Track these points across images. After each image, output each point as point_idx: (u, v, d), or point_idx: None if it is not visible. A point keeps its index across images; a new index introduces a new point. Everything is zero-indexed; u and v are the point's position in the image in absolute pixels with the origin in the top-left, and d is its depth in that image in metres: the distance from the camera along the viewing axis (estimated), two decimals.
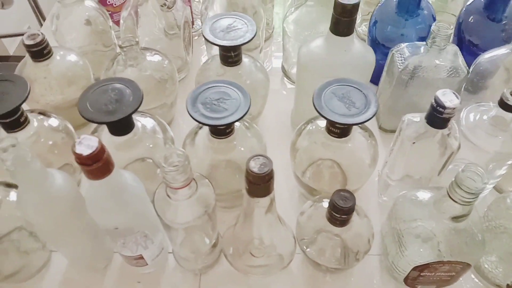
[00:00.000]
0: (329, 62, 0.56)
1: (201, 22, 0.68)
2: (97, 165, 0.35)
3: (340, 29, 0.53)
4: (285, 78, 0.78)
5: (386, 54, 0.67)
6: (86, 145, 0.35)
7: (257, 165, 0.37)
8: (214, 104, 0.46)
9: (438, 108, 0.45)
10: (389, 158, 0.55)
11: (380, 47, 0.69)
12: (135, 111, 0.46)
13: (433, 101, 0.46)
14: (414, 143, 0.49)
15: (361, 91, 0.47)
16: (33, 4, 1.11)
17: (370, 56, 0.57)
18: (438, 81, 0.58)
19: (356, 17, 0.52)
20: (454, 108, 0.45)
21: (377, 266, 0.54)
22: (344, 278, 0.53)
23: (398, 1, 0.66)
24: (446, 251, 0.44)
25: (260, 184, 0.37)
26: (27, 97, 0.48)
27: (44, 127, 0.54)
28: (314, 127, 0.54)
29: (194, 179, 0.41)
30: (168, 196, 0.42)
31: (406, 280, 0.48)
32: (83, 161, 0.35)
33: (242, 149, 0.52)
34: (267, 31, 0.81)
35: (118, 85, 0.48)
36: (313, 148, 0.54)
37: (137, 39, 0.57)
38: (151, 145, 0.53)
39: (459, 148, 0.49)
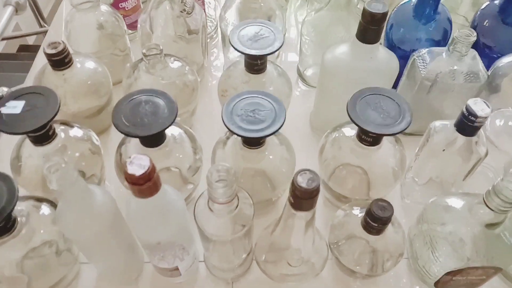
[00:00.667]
0: (355, 69, 0.56)
1: (218, 26, 0.68)
2: (148, 184, 0.35)
3: (368, 37, 0.53)
4: (299, 80, 0.78)
5: (403, 57, 0.68)
6: (138, 164, 0.35)
7: (304, 180, 0.37)
8: (250, 116, 0.46)
9: (470, 117, 0.46)
10: (415, 163, 0.56)
11: (397, 50, 0.70)
12: (171, 124, 0.46)
13: (464, 109, 0.47)
14: (444, 150, 0.50)
15: (393, 100, 0.48)
16: (34, 6, 1.08)
17: (394, 63, 0.57)
18: (458, 86, 0.59)
19: (384, 25, 0.52)
20: (485, 117, 0.46)
21: (405, 269, 0.55)
22: (372, 281, 0.54)
23: (415, 5, 0.66)
24: (479, 256, 0.45)
25: (307, 199, 0.38)
26: (57, 111, 0.47)
27: (70, 138, 0.53)
28: (341, 135, 0.55)
29: (237, 194, 0.41)
30: (209, 209, 0.42)
31: (436, 284, 0.50)
32: (135, 181, 0.35)
33: (271, 157, 0.53)
34: None
35: (151, 98, 0.48)
36: (341, 154, 0.54)
37: (161, 47, 0.57)
38: (181, 156, 0.53)
39: (486, 154, 0.50)
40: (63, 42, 0.56)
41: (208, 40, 0.83)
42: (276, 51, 0.53)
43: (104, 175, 0.59)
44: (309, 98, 0.73)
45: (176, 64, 0.62)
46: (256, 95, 0.48)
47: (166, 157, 0.51)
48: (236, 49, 0.53)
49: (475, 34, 0.54)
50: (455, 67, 0.57)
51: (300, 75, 0.77)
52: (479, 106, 0.46)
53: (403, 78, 0.64)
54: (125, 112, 0.46)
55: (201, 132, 0.68)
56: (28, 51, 2.12)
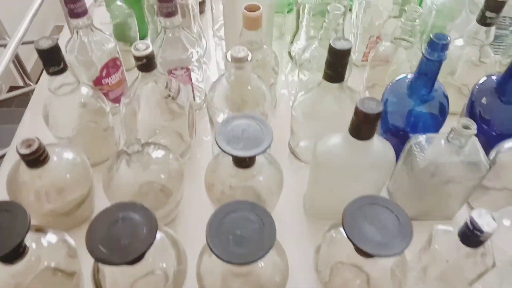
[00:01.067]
0: (349, 165, 0.53)
1: (207, 109, 0.65)
2: None
3: (361, 135, 0.50)
4: (291, 155, 0.75)
5: (396, 134, 0.66)
6: None
7: None
8: (237, 235, 0.42)
9: (474, 231, 0.43)
10: (417, 264, 0.52)
11: (391, 126, 0.67)
12: (151, 244, 0.42)
13: (468, 222, 0.43)
14: (447, 261, 0.46)
15: (392, 212, 0.44)
16: (17, 63, 1.05)
17: (390, 155, 0.54)
18: (459, 176, 0.56)
19: (378, 123, 0.49)
20: (491, 233, 0.42)
21: None
22: None
23: (410, 84, 0.64)
24: None
25: None
26: (28, 230, 0.43)
27: (44, 248, 0.49)
28: (338, 236, 0.51)
29: None
30: None
31: None
32: None
33: (262, 264, 0.49)
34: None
35: (128, 214, 0.44)
36: (338, 256, 0.51)
37: (142, 142, 0.53)
38: (164, 265, 0.49)
39: (493, 265, 0.46)
40: (37, 139, 0.52)
41: (197, 111, 0.80)
42: (265, 150, 0.50)
43: (82, 277, 0.54)
44: (301, 174, 0.69)
45: (159, 153, 0.59)
46: (245, 208, 0.44)
47: (148, 266, 0.47)
48: (223, 150, 0.49)
49: (475, 126, 0.52)
50: (457, 158, 0.54)
51: (292, 150, 0.74)
52: (484, 220, 0.42)
53: (400, 162, 0.61)
54: (100, 234, 0.42)
55: (187, 223, 0.64)
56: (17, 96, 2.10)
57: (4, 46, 0.96)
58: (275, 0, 0.76)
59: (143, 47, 0.56)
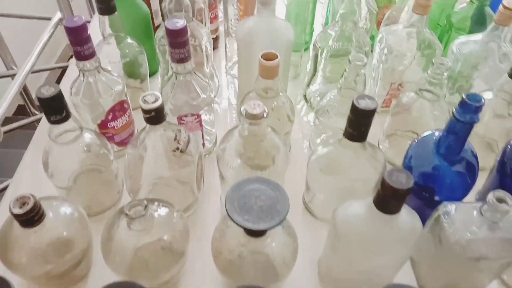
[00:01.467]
0: (372, 238, 0.48)
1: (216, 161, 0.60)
2: None
3: (388, 209, 0.45)
4: (305, 209, 0.70)
5: (420, 195, 0.61)
6: None
7: None
8: None
9: None
10: None
11: (414, 186, 0.62)
12: None
13: None
14: None
15: None
16: (24, 94, 1.02)
17: (417, 228, 0.49)
18: (494, 253, 0.50)
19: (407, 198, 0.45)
20: None
21: None
22: None
23: (438, 142, 0.59)
24: None
25: None
26: None
27: None
28: None
29: None
30: None
31: None
32: None
33: None
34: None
35: None
36: None
37: (146, 203, 0.49)
38: None
39: None
40: (32, 196, 0.48)
41: (207, 156, 0.75)
42: (281, 222, 0.45)
43: None
44: (315, 232, 0.65)
45: (163, 211, 0.54)
46: None
47: None
48: (234, 222, 0.45)
49: None
50: (489, 234, 0.49)
51: (305, 205, 0.69)
52: None
53: (426, 231, 0.56)
54: None
55: (192, 280, 0.59)
56: (25, 114, 2.08)
57: (11, 76, 0.93)
58: (292, 44, 0.72)
59: (152, 99, 0.52)
